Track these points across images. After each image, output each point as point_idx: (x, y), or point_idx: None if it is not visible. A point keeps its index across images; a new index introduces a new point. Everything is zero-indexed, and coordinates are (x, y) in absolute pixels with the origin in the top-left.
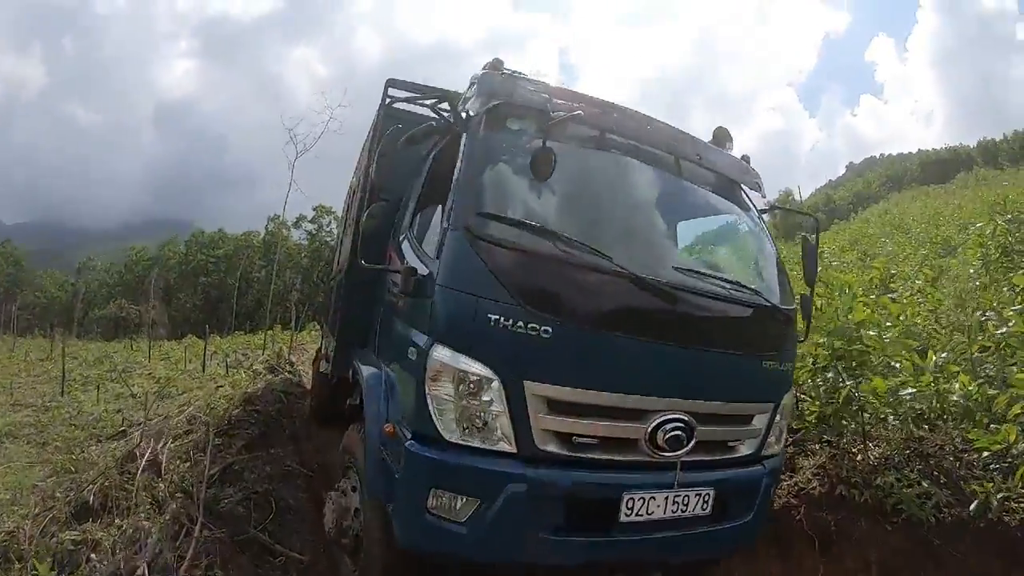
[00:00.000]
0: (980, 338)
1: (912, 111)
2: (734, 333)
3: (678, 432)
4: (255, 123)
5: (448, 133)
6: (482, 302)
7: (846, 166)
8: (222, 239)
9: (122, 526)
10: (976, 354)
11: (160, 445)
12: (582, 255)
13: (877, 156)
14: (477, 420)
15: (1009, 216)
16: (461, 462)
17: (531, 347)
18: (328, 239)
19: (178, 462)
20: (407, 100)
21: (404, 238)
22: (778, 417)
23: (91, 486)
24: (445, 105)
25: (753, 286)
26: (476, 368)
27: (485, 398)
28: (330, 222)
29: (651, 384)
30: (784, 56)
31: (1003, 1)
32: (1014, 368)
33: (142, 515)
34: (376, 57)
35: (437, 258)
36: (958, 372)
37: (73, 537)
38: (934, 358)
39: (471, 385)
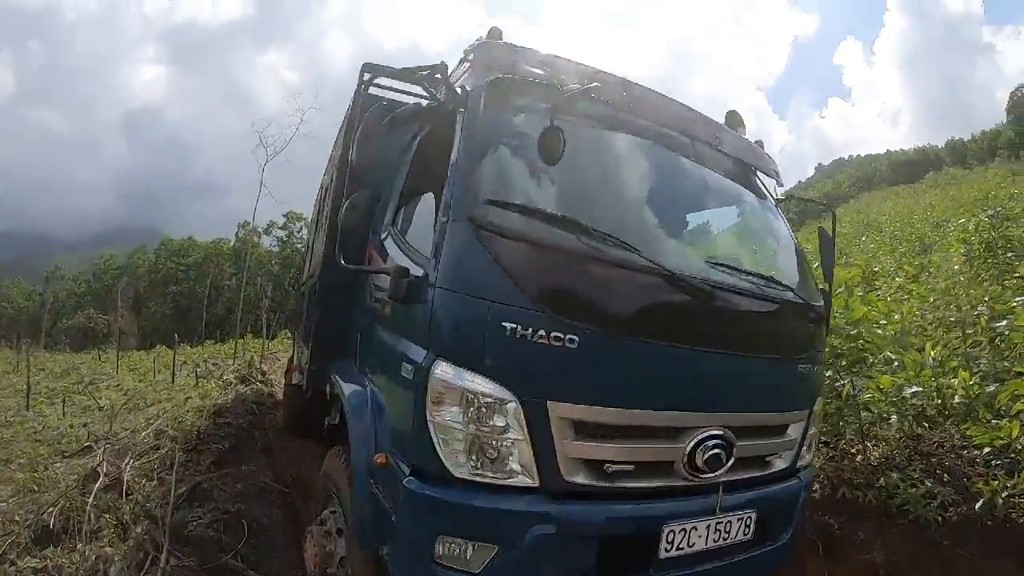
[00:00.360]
0: (971, 332)
1: (879, 113)
2: (772, 335)
3: (718, 450)
4: (225, 130)
5: (436, 114)
6: (494, 307)
7: (815, 167)
8: (192, 247)
9: (84, 552)
10: (968, 349)
11: (124, 463)
12: (610, 249)
13: (846, 157)
14: (491, 450)
15: (991, 211)
16: (473, 502)
17: (554, 360)
18: (299, 245)
19: (143, 481)
20: (379, 79)
21: (387, 235)
22: (811, 426)
23: (52, 508)
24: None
25: (785, 282)
26: (489, 388)
27: (500, 423)
28: (301, 228)
29: (688, 397)
30: (754, 60)
31: (969, 4)
32: (1006, 363)
33: (105, 540)
34: (346, 63)
35: (434, 256)
36: (957, 368)
37: (33, 565)
38: (932, 353)
39: (483, 409)
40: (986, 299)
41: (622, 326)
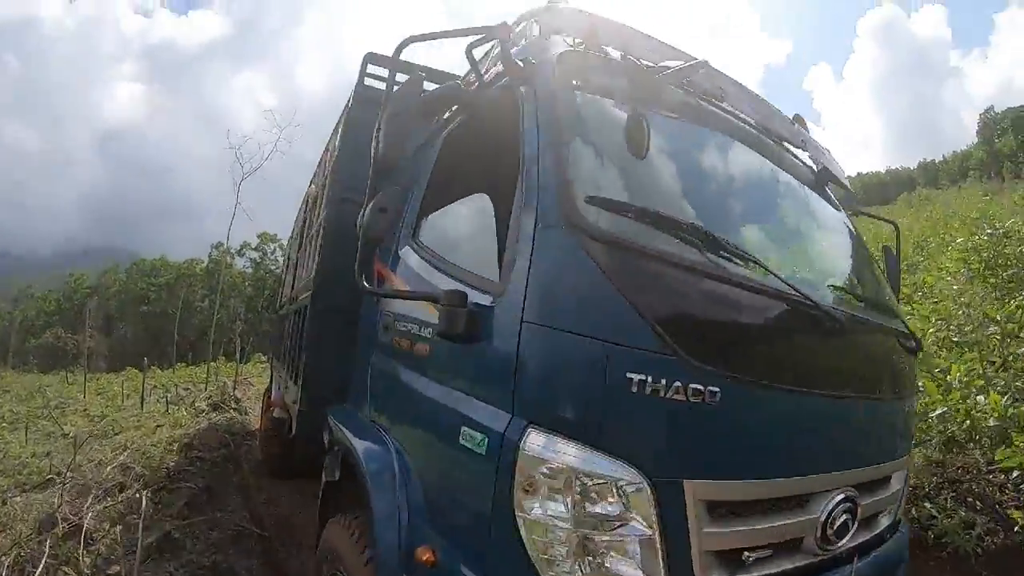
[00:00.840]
0: (984, 353)
1: (850, 136)
2: (891, 371)
3: (847, 515)
4: (201, 152)
5: (481, 95)
6: (616, 352)
7: None
8: (164, 267)
9: None
10: (983, 369)
11: (86, 505)
12: (749, 272)
13: None
14: (605, 553)
15: (990, 230)
16: None
17: (693, 422)
18: (272, 267)
19: (107, 526)
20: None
21: (406, 248)
22: (907, 472)
23: (4, 558)
24: (483, 50)
25: (889, 307)
26: (608, 468)
27: (621, 515)
28: (275, 249)
29: (824, 454)
30: None
31: (937, 29)
32: (1019, 384)
33: None
34: (322, 85)
35: (510, 277)
36: (983, 388)
37: None
38: (959, 374)
39: (597, 496)
40: (998, 318)
41: (766, 371)
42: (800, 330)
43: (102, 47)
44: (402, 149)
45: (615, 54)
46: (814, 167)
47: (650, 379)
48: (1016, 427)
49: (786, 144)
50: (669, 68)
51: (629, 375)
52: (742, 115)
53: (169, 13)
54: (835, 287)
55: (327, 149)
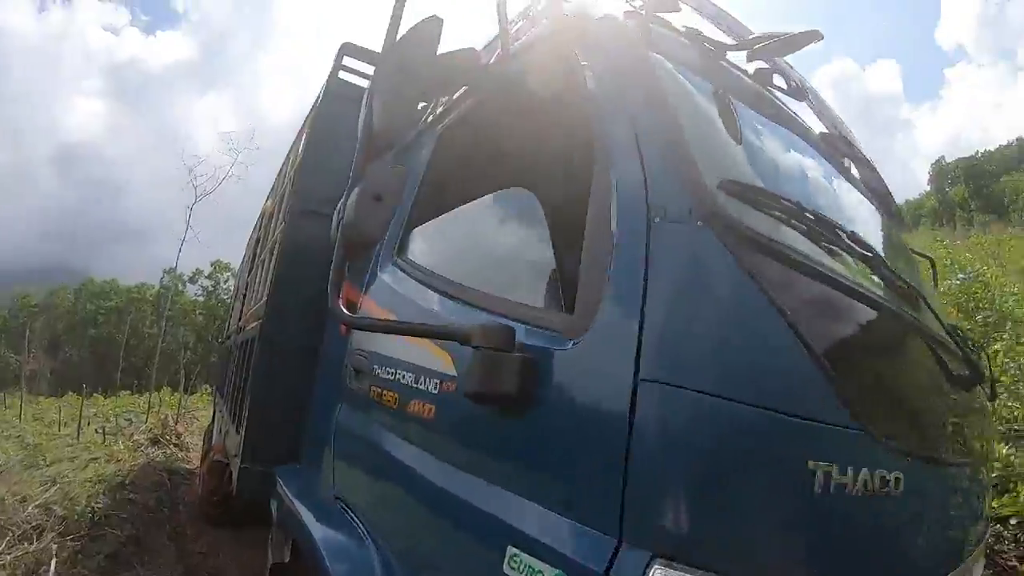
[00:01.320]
0: None
1: None
2: (989, 427)
3: None
4: (159, 174)
5: (507, 67)
6: (794, 430)
7: None
8: (114, 290)
9: None
10: None
11: None
12: (913, 310)
13: None
14: None
15: (962, 275)
16: None
17: (876, 526)
18: (225, 296)
19: None
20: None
21: (389, 269)
22: None
23: None
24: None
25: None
26: None
27: None
28: (228, 278)
29: (956, 541)
30: None
31: (890, 84)
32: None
33: None
34: (284, 114)
35: (593, 304)
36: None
37: None
38: None
39: None
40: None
41: (934, 441)
42: (953, 383)
43: (67, 61)
44: (408, 117)
45: (676, 24)
46: (883, 191)
47: (836, 468)
48: (1017, 476)
49: (853, 161)
50: (770, 38)
51: (811, 464)
52: (818, 118)
53: (138, 32)
54: (953, 327)
55: (288, 157)
